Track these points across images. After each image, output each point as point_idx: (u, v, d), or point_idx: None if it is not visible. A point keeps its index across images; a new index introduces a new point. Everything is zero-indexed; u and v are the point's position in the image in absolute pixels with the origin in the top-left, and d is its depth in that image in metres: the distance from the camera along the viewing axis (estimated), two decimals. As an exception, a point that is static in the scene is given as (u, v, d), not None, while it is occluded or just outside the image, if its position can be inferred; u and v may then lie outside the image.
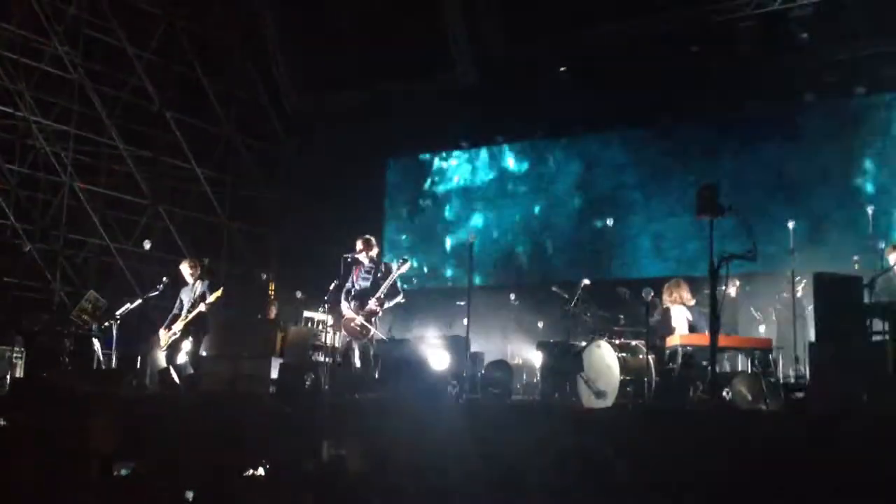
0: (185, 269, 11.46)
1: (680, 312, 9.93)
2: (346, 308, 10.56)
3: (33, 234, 15.21)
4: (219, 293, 11.10)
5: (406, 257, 11.13)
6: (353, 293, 10.60)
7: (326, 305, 11.11)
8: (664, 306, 10.24)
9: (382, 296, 10.44)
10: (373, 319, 10.45)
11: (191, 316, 11.05)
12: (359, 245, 10.72)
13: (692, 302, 9.96)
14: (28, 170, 15.63)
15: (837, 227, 12.67)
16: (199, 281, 11.33)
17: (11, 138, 15.54)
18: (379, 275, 10.57)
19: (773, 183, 13.94)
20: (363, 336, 10.43)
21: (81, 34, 16.08)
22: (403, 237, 18.15)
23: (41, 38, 15.46)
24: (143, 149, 17.11)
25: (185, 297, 11.35)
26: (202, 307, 11.02)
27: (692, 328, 9.74)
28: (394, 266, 10.66)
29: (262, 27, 17.98)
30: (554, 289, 12.25)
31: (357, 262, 10.69)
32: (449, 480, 6.85)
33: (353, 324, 10.46)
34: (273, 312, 13.35)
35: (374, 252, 10.76)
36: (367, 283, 10.56)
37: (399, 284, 10.80)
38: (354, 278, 10.66)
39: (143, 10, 16.78)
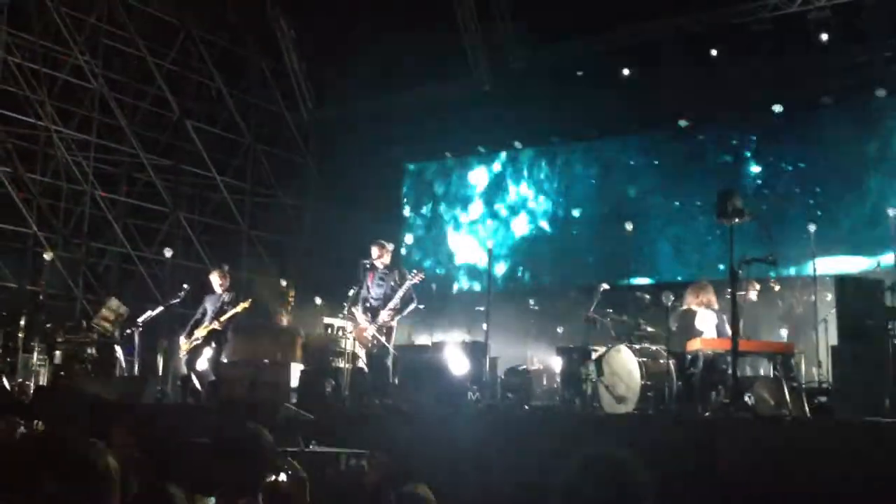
0: (214, 279, 11.59)
1: (706, 316, 9.87)
2: (360, 317, 10.58)
3: (55, 243, 15.33)
4: (246, 304, 11.20)
5: (421, 269, 11.09)
6: (366, 299, 10.62)
7: (346, 311, 11.13)
8: (688, 308, 10.17)
9: (395, 306, 10.45)
10: (385, 329, 10.45)
11: (214, 324, 11.14)
12: (374, 251, 10.74)
13: (717, 306, 9.90)
14: (50, 179, 15.76)
15: (859, 230, 12.57)
16: (225, 291, 11.45)
17: (33, 147, 15.68)
18: (393, 282, 10.58)
19: (794, 186, 13.85)
20: (376, 347, 10.45)
21: (101, 44, 16.22)
22: (422, 242, 18.15)
23: (62, 48, 15.59)
24: (164, 157, 17.23)
25: (210, 304, 11.44)
26: (226, 317, 11.12)
27: (718, 332, 9.67)
28: (408, 275, 10.66)
29: (279, 36, 18.07)
30: (573, 293, 12.24)
31: (373, 268, 10.71)
32: (469, 489, 6.84)
33: (364, 334, 10.49)
34: (285, 321, 13.38)
35: (389, 258, 10.77)
36: (381, 290, 10.57)
37: (412, 291, 10.78)
38: (369, 284, 10.68)
39: (162, 20, 16.90)
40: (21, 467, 3.67)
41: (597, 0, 14.06)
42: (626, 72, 14.56)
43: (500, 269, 16.41)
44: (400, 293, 10.47)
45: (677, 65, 14.06)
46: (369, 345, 10.45)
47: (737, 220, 8.37)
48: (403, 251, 17.37)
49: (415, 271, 10.81)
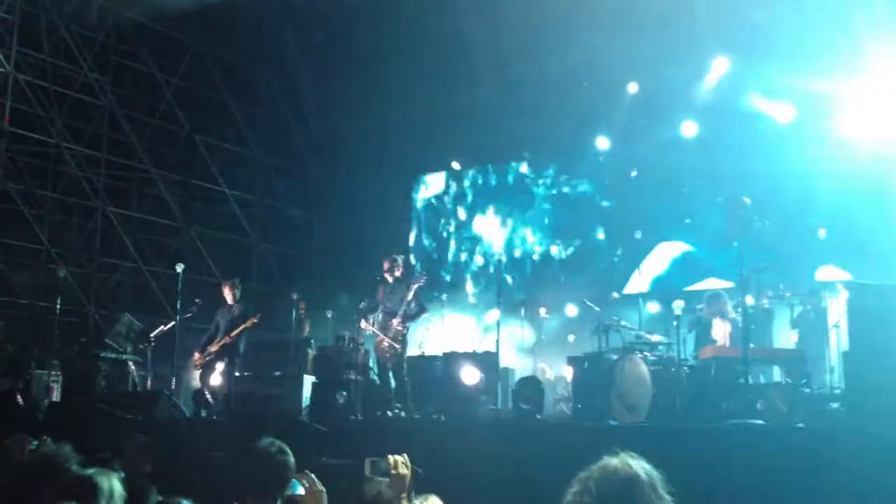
0: (225, 291, 11.64)
1: (719, 325, 9.88)
2: (374, 329, 10.65)
3: (67, 259, 15.40)
4: (255, 319, 11.24)
5: (422, 273, 11.15)
6: (379, 312, 10.68)
7: (358, 324, 11.18)
8: (701, 317, 10.19)
9: (403, 315, 10.50)
10: (399, 338, 10.50)
11: (226, 338, 11.18)
12: (385, 265, 10.80)
13: (732, 314, 9.89)
14: (61, 195, 15.85)
15: (868, 235, 12.49)
16: (236, 304, 11.49)
17: (44, 164, 15.78)
18: (402, 294, 10.64)
19: (804, 192, 13.77)
20: (393, 355, 10.48)
21: (111, 61, 16.33)
22: (431, 254, 18.17)
23: (72, 65, 15.70)
24: (174, 172, 17.31)
25: (222, 318, 11.48)
26: (237, 331, 11.17)
27: (732, 340, 9.67)
28: (412, 281, 10.73)
29: (286, 51, 18.17)
30: (587, 303, 12.25)
31: (383, 281, 10.78)
32: (482, 499, 6.85)
33: (382, 345, 10.54)
34: (306, 330, 13.44)
35: (399, 272, 10.81)
36: (392, 303, 10.63)
37: (421, 300, 10.84)
38: (381, 297, 10.75)
39: (170, 36, 17.01)
40: (25, 485, 3.70)
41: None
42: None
43: (510, 278, 16.41)
44: (406, 301, 10.52)
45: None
46: (386, 355, 10.49)
47: (746, 228, 8.37)
48: (412, 263, 17.42)
49: (417, 275, 10.87)
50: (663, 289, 14.27)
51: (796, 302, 11.06)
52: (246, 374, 11.59)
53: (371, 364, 11.46)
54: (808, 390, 8.92)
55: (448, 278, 17.54)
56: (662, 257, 14.97)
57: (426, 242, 18.34)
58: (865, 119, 12.83)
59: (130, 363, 12.74)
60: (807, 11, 12.40)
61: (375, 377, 11.28)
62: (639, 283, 12.75)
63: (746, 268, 8.90)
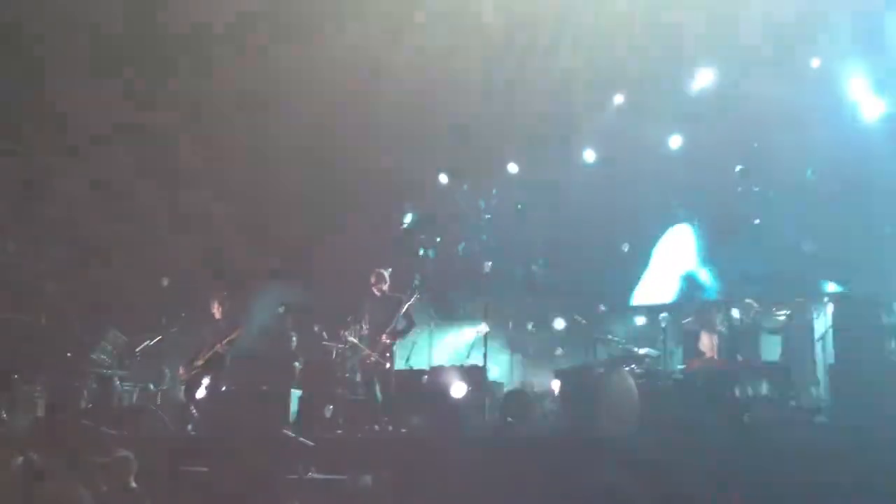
0: (214, 306, 11.60)
1: (706, 337, 9.92)
2: (361, 343, 10.64)
3: (52, 273, 15.28)
4: (240, 331, 11.21)
5: (416, 290, 11.14)
6: (367, 327, 10.68)
7: (346, 338, 11.16)
8: (689, 329, 10.24)
9: (392, 330, 10.50)
10: (387, 353, 10.50)
11: (212, 352, 11.13)
12: (371, 279, 10.80)
13: (719, 327, 9.94)
14: (46, 209, 15.73)
15: (856, 249, 12.54)
16: (224, 318, 11.45)
17: (31, 178, 15.66)
18: (391, 309, 10.64)
19: (791, 204, 13.80)
20: (380, 370, 10.48)
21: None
22: (419, 266, 18.08)
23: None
24: (161, 184, 17.20)
25: (208, 332, 11.44)
26: (222, 345, 11.12)
27: (719, 352, 9.73)
28: (404, 298, 10.73)
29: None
30: (575, 316, 12.26)
31: (371, 296, 10.77)
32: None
33: (369, 359, 10.53)
34: (293, 344, 13.40)
35: (386, 286, 10.81)
36: (379, 317, 10.63)
37: (412, 316, 10.84)
38: (367, 311, 10.75)
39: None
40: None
41: None
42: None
43: (498, 290, 16.35)
44: (398, 316, 10.53)
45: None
46: (373, 369, 10.49)
47: (729, 240, 8.43)
48: (400, 276, 17.35)
49: (409, 292, 10.87)
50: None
51: (783, 316, 11.11)
52: (232, 388, 11.53)
53: (358, 378, 11.42)
54: (793, 403, 8.96)
55: (437, 291, 17.48)
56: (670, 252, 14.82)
57: (417, 256, 18.25)
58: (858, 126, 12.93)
59: (116, 378, 12.66)
60: (794, 22, 12.48)
61: (363, 391, 11.24)
62: (652, 292, 12.61)
63: (733, 279, 8.96)
